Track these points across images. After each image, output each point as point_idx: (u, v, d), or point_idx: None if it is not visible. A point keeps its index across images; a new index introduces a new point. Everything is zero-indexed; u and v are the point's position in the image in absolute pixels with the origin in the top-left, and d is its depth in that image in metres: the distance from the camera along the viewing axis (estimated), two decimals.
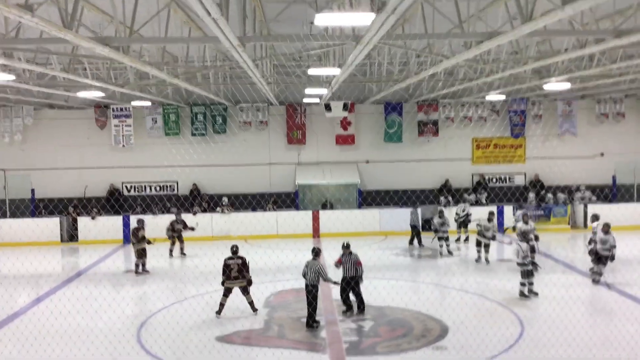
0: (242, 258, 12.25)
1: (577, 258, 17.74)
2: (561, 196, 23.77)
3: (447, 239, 18.51)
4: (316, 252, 11.73)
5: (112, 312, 12.21)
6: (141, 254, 16.57)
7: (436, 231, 18.67)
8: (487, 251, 16.97)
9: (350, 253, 12.33)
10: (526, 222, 15.40)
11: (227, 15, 7.64)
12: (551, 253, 18.55)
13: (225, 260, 12.26)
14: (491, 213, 17.52)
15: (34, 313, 12.90)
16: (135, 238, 16.67)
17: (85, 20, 11.01)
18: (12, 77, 13.31)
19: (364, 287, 12.39)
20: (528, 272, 13.10)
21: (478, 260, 17.08)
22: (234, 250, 12.41)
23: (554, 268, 16.42)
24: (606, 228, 13.97)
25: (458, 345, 10.45)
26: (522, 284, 13.18)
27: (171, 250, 19.16)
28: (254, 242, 20.79)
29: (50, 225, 21.50)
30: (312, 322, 11.35)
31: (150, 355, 10.22)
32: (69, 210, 22.56)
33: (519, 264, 13.18)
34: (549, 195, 23.90)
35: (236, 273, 12.07)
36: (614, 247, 13.86)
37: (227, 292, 12.17)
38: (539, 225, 22.37)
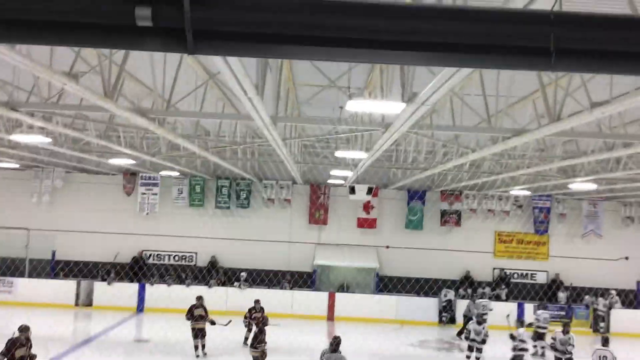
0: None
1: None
2: (587, 299, 22.99)
3: (480, 350, 15.86)
4: (337, 343, 10.37)
5: None
6: (197, 334, 15.16)
7: (468, 338, 16.39)
8: (479, 349, 15.71)
9: (336, 352, 10.53)
10: (566, 332, 14.51)
11: (262, 95, 7.89)
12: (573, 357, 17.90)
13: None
14: (480, 315, 16.70)
15: None
16: (190, 315, 15.24)
17: (125, 91, 11.42)
18: (48, 140, 13.70)
19: None
20: None
21: (468, 358, 16.02)
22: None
23: None
24: (567, 328, 14.53)
25: None
26: None
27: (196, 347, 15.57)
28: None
29: (66, 288, 21.50)
30: None
31: None
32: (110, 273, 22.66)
33: None
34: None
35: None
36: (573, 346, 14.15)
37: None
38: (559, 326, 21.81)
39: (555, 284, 23.92)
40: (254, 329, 14.22)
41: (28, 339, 10.38)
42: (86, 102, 9.28)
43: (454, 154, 15.31)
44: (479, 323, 15.84)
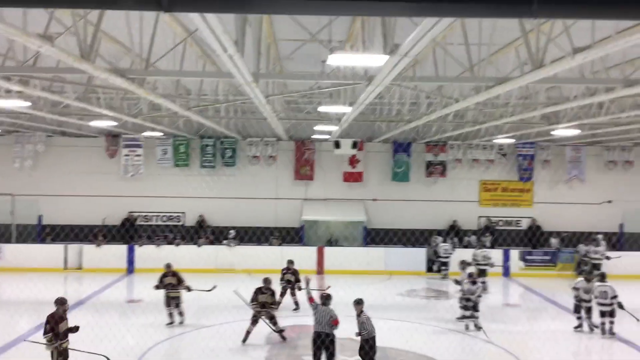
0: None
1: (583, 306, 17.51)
2: (581, 247, 23.18)
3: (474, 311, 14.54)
4: (327, 297, 10.57)
5: (113, 342, 12.12)
6: (169, 303, 14.56)
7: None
8: (476, 316, 14.16)
9: (325, 305, 10.64)
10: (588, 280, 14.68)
11: (242, 52, 7.77)
12: (556, 300, 18.36)
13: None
14: (471, 275, 14.85)
15: (34, 339, 12.80)
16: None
17: (102, 51, 11.20)
18: (27, 104, 13.48)
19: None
20: None
21: (467, 328, 14.27)
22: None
23: (560, 315, 16.23)
24: (473, 277, 14.55)
25: None
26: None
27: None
28: (258, 276, 20.65)
29: (55, 252, 21.49)
30: None
31: None
32: (97, 236, 22.63)
33: None
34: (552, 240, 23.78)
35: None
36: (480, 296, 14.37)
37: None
38: (545, 270, 22.30)
39: (532, 230, 24.32)
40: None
41: (65, 312, 10.29)
42: (63, 65, 9.09)
43: (438, 105, 15.29)
44: (474, 282, 14.41)
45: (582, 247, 22.73)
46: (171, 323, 14.37)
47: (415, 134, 23.30)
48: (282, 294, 15.75)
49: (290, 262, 16.47)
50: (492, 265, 19.22)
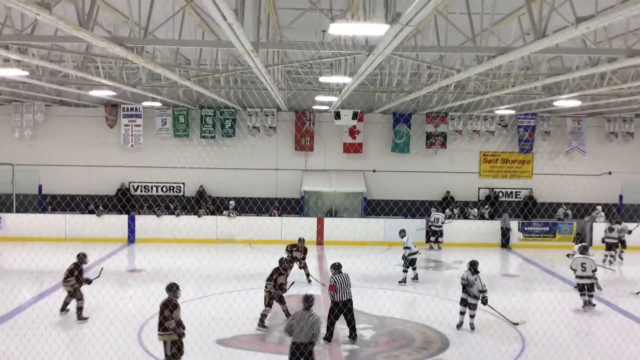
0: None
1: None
2: (561, 211, 23.86)
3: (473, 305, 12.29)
4: (310, 301, 9.05)
5: (114, 310, 12.24)
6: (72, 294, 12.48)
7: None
8: (472, 315, 11.97)
9: (341, 273, 11.10)
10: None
11: (242, 21, 7.68)
12: (555, 270, 18.49)
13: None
14: (473, 264, 11.99)
15: (35, 309, 12.95)
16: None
17: (100, 20, 11.09)
18: (25, 73, 13.40)
19: (367, 297, 12.34)
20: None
21: (459, 326, 12.03)
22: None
23: (559, 285, 16.36)
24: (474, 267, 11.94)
25: (459, 358, 10.42)
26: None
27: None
28: (258, 247, 20.81)
29: (55, 221, 21.56)
30: None
31: (150, 356, 10.23)
32: (93, 207, 22.70)
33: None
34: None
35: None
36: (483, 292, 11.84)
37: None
38: (544, 241, 22.42)
39: (531, 201, 24.42)
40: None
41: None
42: (61, 33, 9.00)
43: (439, 75, 15.19)
44: (475, 271, 11.90)
45: (561, 211, 23.37)
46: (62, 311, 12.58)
47: (415, 105, 23.21)
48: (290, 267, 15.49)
49: (301, 240, 15.96)
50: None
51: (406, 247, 16.13)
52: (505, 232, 22.29)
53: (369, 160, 24.91)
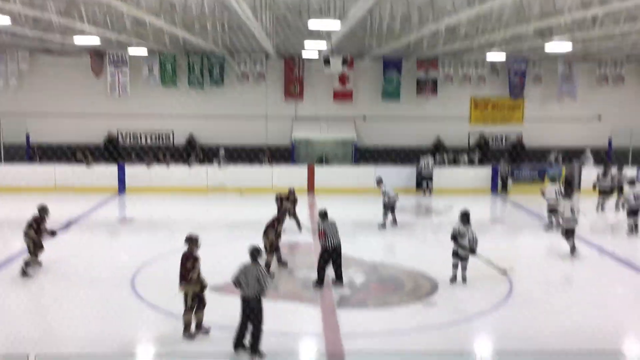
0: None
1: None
2: (552, 156, 24.03)
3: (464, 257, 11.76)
4: (255, 253, 8.59)
5: (107, 259, 12.32)
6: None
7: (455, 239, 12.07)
8: (464, 267, 11.65)
9: (328, 220, 11.32)
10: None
11: None
12: (544, 216, 18.67)
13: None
14: (464, 215, 11.63)
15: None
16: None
17: None
18: (7, 19, 13.06)
19: (358, 244, 12.44)
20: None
21: (453, 280, 11.66)
22: None
23: (548, 229, 16.54)
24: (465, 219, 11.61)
25: (448, 301, 10.61)
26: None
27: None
28: (249, 196, 20.84)
29: (44, 171, 21.41)
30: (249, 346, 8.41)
31: (144, 302, 10.34)
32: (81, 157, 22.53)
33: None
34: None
35: None
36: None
37: None
38: (533, 186, 22.60)
39: (518, 147, 24.56)
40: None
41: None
42: None
43: (430, 19, 14.94)
44: (466, 222, 11.55)
45: (552, 156, 23.46)
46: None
47: (406, 50, 22.92)
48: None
49: (292, 190, 15.87)
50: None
51: (384, 193, 16.18)
52: (504, 178, 22.39)
53: (359, 108, 24.74)
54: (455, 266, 11.61)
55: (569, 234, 13.55)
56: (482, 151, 24.42)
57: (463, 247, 11.46)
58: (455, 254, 11.58)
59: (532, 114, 24.85)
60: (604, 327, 9.39)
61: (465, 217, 11.55)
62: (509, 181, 22.38)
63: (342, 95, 24.42)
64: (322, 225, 11.21)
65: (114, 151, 22.72)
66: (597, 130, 24.83)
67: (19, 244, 14.13)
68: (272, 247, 12.00)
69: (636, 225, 15.61)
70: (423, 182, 21.95)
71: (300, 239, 14.46)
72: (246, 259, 8.42)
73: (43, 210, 12.08)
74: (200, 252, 9.02)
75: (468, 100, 24.97)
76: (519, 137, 24.89)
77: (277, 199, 15.71)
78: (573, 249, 13.51)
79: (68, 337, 8.52)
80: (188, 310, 8.87)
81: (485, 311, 10.02)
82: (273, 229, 12.08)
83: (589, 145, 24.02)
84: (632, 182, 16.50)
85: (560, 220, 13.97)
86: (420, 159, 22.26)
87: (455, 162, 23.85)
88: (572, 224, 13.55)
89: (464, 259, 11.55)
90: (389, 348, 8.61)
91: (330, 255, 11.11)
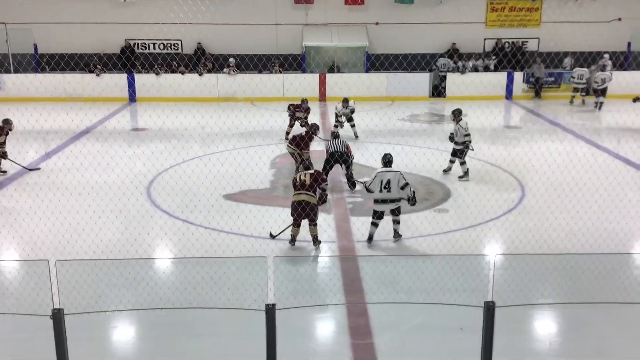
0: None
1: (585, 127, 17.71)
2: (566, 61, 23.50)
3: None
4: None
5: (121, 168, 12.43)
6: None
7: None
8: (462, 163, 12.34)
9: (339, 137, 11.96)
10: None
11: None
12: (559, 121, 18.50)
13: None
14: (454, 113, 12.43)
15: (44, 167, 13.15)
16: None
17: None
18: None
19: (370, 152, 12.44)
20: None
21: (446, 171, 12.68)
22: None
23: (560, 135, 16.44)
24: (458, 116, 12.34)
25: (459, 208, 10.71)
26: None
27: None
28: (260, 105, 20.73)
29: (54, 81, 21.26)
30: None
31: (158, 209, 10.53)
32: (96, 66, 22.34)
33: None
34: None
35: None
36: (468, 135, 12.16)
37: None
38: (549, 91, 22.30)
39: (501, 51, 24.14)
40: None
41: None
42: None
43: None
44: (456, 120, 12.35)
45: (566, 61, 22.95)
46: None
47: None
48: (292, 125, 15.64)
49: (304, 100, 15.74)
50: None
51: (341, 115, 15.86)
52: (538, 81, 22.22)
53: (372, 13, 24.03)
54: (451, 161, 12.57)
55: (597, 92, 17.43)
56: (498, 57, 23.86)
57: (458, 143, 12.23)
58: (452, 151, 12.48)
59: (550, 16, 24.01)
60: (619, 230, 9.49)
61: (455, 115, 12.36)
62: (541, 83, 22.29)
63: (354, 0, 23.67)
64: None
65: (127, 61, 22.34)
66: (616, 32, 23.99)
67: (36, 154, 14.33)
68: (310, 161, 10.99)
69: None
70: (441, 84, 21.91)
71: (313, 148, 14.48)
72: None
73: (6, 123, 12.99)
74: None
75: (484, 3, 24.16)
76: (499, 41, 24.31)
77: (288, 109, 15.64)
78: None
79: (87, 244, 8.73)
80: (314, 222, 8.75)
81: (496, 218, 10.12)
82: (307, 146, 12.02)
83: (608, 50, 23.37)
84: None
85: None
86: (437, 60, 21.94)
87: (475, 70, 23.25)
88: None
89: (460, 155, 12.31)
90: (400, 252, 8.79)
91: (337, 160, 11.39)
